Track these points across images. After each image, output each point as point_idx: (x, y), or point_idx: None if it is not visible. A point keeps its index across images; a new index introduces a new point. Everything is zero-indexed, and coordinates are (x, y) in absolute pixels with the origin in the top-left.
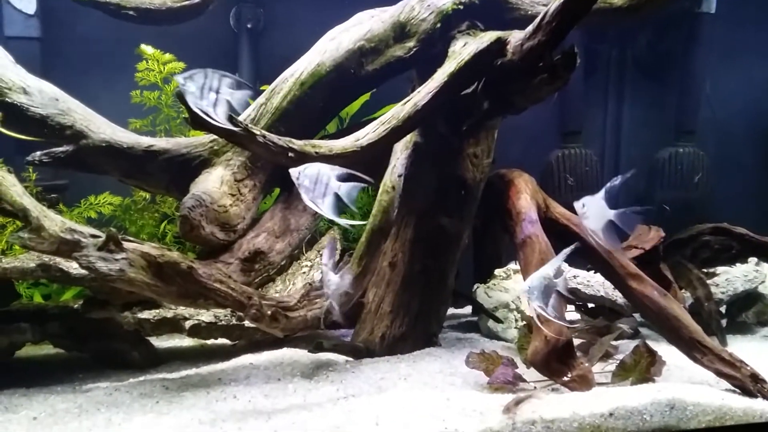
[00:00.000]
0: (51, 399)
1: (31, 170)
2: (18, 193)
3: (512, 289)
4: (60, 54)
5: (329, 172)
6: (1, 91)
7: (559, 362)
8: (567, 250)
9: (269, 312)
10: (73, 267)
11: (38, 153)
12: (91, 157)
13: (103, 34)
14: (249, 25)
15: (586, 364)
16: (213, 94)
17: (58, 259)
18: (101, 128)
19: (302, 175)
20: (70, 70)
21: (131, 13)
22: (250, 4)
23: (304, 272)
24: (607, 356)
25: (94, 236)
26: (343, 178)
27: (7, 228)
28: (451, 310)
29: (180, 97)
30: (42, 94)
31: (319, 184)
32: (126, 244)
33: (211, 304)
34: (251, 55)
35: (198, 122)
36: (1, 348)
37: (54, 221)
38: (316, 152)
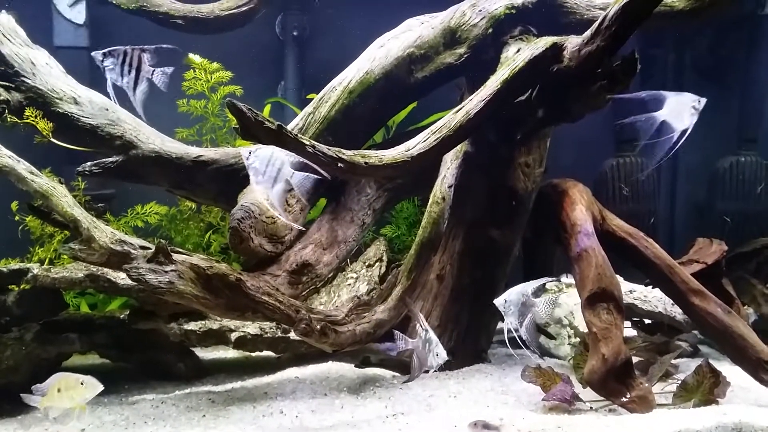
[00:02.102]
0: (98, 411)
1: (79, 180)
2: (69, 203)
3: (565, 303)
4: None
5: (283, 157)
6: (52, 101)
7: (617, 382)
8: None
9: (318, 327)
10: (120, 277)
11: (88, 164)
12: (140, 168)
13: (150, 43)
14: (294, 33)
15: (646, 384)
16: (133, 71)
17: (105, 270)
18: (150, 138)
19: (253, 155)
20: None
21: (179, 21)
22: (296, 13)
23: (349, 284)
24: (666, 376)
25: (143, 248)
26: (298, 167)
27: (55, 237)
28: (499, 325)
29: (231, 107)
30: (92, 104)
31: (271, 168)
32: (175, 256)
33: (259, 317)
34: (297, 62)
35: (248, 132)
36: (50, 358)
37: (104, 232)
38: (366, 162)
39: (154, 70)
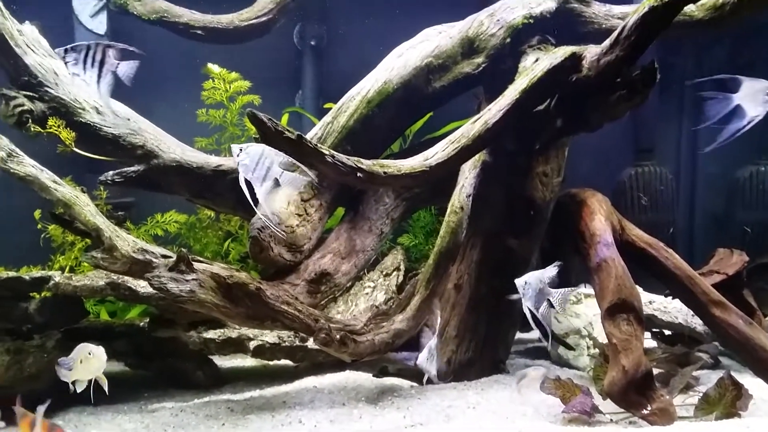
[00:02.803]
0: (118, 418)
1: (101, 189)
2: (91, 212)
3: (584, 314)
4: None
5: (273, 155)
6: (74, 110)
7: (638, 394)
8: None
9: (338, 336)
10: (140, 285)
11: (110, 173)
12: (161, 177)
13: (170, 53)
14: (312, 43)
15: (667, 397)
16: (96, 65)
17: (126, 278)
18: (171, 148)
19: (244, 152)
20: (137, 89)
21: (200, 32)
22: (314, 22)
23: (366, 293)
24: (687, 388)
25: (165, 256)
26: (287, 167)
27: (76, 245)
28: (517, 335)
29: (252, 117)
30: (114, 114)
31: (261, 166)
32: (196, 265)
33: (279, 326)
34: (314, 72)
35: (269, 142)
36: None
37: (126, 241)
38: (385, 172)
39: (119, 63)
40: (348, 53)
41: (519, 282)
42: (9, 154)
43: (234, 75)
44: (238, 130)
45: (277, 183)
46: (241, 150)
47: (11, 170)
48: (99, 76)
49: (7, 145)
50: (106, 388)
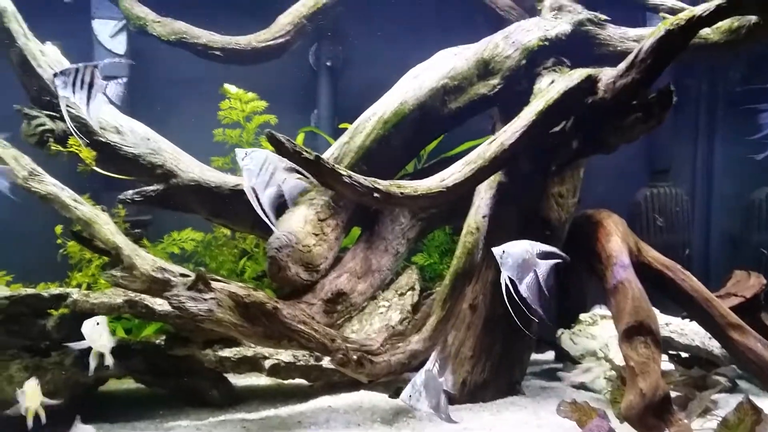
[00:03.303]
0: None
1: (119, 207)
2: (111, 231)
3: (599, 336)
4: (146, 92)
5: (276, 161)
6: (95, 130)
7: (655, 417)
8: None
9: (355, 357)
10: (157, 303)
11: (130, 192)
12: (180, 196)
13: (187, 73)
14: (328, 63)
15: (686, 421)
16: (86, 86)
17: (143, 296)
18: (190, 167)
19: (249, 157)
20: (155, 108)
21: (218, 53)
22: (330, 43)
23: (381, 312)
24: (706, 412)
25: (183, 275)
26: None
27: (93, 262)
28: (532, 356)
29: (270, 137)
30: (134, 134)
31: (264, 171)
32: (214, 284)
33: (295, 345)
34: (330, 92)
35: (289, 161)
36: (88, 383)
37: (145, 260)
38: (402, 192)
39: (107, 83)
40: (363, 74)
41: (497, 251)
42: (31, 173)
43: (251, 95)
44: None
45: (280, 189)
46: (246, 154)
47: (33, 189)
48: (88, 99)
49: (28, 163)
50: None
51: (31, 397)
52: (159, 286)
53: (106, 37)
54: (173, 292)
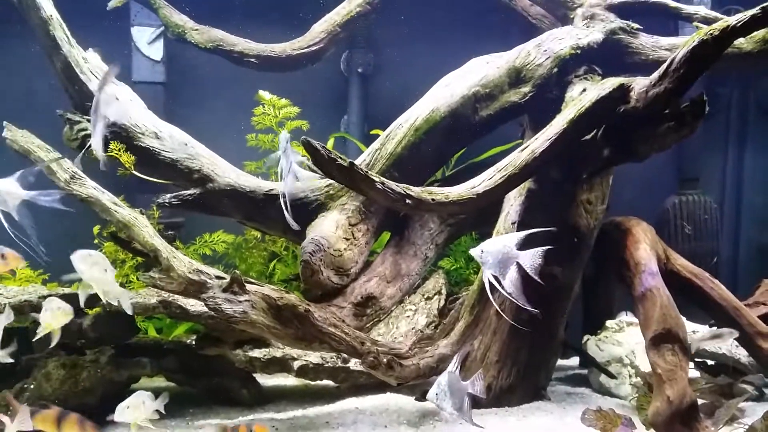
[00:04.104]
0: None
1: (154, 209)
2: (149, 233)
3: (625, 342)
4: (182, 98)
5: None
6: (134, 135)
7: (682, 425)
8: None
9: (386, 360)
10: (190, 304)
11: (168, 195)
12: (215, 200)
13: (221, 79)
14: (359, 70)
15: (712, 428)
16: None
17: (176, 296)
18: (226, 172)
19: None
20: (190, 113)
21: (253, 60)
22: (362, 50)
23: (407, 316)
24: (732, 420)
25: (218, 277)
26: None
27: (126, 263)
28: (559, 362)
29: (306, 144)
30: (172, 139)
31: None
32: (248, 287)
33: (326, 347)
34: (360, 98)
35: (322, 168)
36: (121, 381)
37: (182, 262)
38: (433, 199)
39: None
40: (393, 80)
41: (475, 252)
42: (72, 176)
43: (284, 101)
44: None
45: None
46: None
47: (74, 192)
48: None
49: (70, 167)
50: None
51: None
52: (195, 288)
53: (144, 44)
54: (209, 294)
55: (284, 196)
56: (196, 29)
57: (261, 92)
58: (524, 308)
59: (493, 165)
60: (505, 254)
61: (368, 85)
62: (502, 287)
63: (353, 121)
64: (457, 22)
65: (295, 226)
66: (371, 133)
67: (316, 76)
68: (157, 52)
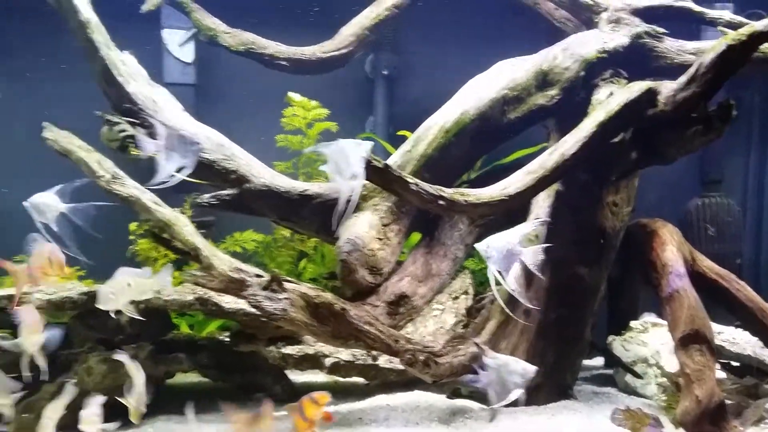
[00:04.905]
0: (204, 428)
1: (187, 208)
2: (190, 232)
3: (650, 343)
4: (212, 99)
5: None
6: None
7: (711, 424)
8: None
9: (422, 358)
10: (225, 301)
11: (206, 195)
12: (251, 200)
13: (249, 80)
14: (385, 72)
15: (740, 428)
16: None
17: (211, 293)
18: (261, 173)
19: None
20: (220, 114)
21: (284, 63)
22: (387, 52)
23: (435, 315)
24: (759, 420)
25: (258, 275)
26: None
27: (158, 261)
28: (585, 362)
29: None
30: (209, 141)
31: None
32: (286, 285)
33: (361, 345)
34: (385, 99)
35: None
36: (158, 376)
37: (222, 260)
38: (465, 200)
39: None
40: (418, 82)
41: (480, 246)
42: (113, 176)
43: (314, 103)
44: (314, 155)
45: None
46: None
47: (115, 191)
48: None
49: (111, 167)
50: None
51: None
52: (235, 286)
53: (175, 46)
54: (251, 292)
55: (346, 202)
56: (228, 32)
57: (291, 94)
58: (551, 308)
59: (518, 167)
60: (509, 250)
61: (393, 86)
62: (506, 283)
63: (378, 122)
64: (480, 25)
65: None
66: (399, 134)
67: (341, 78)
68: (187, 54)
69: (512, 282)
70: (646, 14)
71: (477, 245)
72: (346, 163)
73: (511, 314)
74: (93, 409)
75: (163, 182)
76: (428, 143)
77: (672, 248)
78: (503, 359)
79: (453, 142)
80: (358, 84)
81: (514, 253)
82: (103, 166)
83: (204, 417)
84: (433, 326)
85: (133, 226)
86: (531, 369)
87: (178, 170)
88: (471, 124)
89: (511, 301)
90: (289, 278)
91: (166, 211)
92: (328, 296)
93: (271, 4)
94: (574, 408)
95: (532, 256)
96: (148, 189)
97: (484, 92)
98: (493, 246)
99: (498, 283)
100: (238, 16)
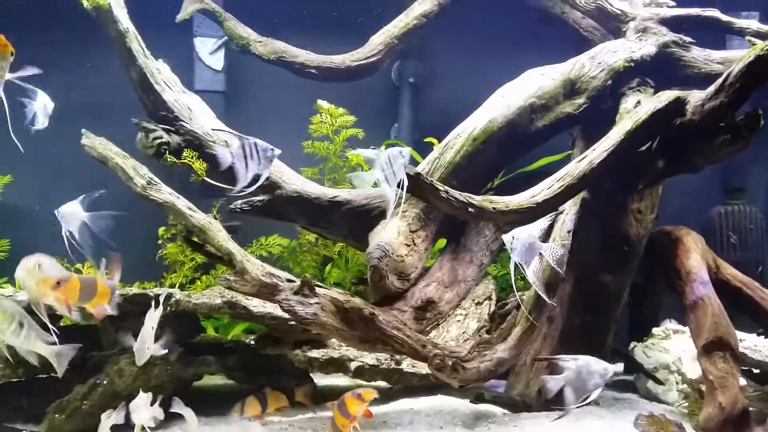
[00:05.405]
0: (231, 429)
1: (215, 212)
2: (223, 238)
3: (672, 349)
4: (241, 106)
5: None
6: (206, 143)
7: (734, 430)
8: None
9: (450, 362)
10: (252, 305)
11: (239, 202)
12: (282, 206)
13: (277, 87)
14: (411, 80)
15: None
16: None
17: (239, 297)
18: (292, 179)
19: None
20: (248, 121)
21: (314, 71)
22: (414, 60)
23: (458, 320)
24: None
25: (289, 281)
26: None
27: (185, 264)
28: None
29: None
30: None
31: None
32: (317, 290)
33: (389, 349)
34: (411, 107)
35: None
36: (187, 378)
37: (255, 265)
38: (494, 208)
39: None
40: (444, 90)
41: (506, 237)
42: (149, 182)
43: (341, 110)
44: (340, 161)
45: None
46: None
47: (151, 197)
48: None
49: (147, 173)
50: None
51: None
52: (267, 290)
53: (206, 54)
54: (283, 296)
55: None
56: (260, 41)
57: (320, 101)
58: (575, 315)
59: (541, 175)
60: (530, 243)
61: (419, 94)
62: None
63: (404, 129)
64: (506, 34)
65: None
66: (424, 141)
67: (367, 85)
68: (218, 62)
69: (531, 275)
70: (673, 23)
71: (504, 236)
72: (392, 170)
73: (529, 315)
74: (142, 401)
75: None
76: (456, 151)
77: (696, 256)
78: (583, 359)
79: (481, 150)
80: (384, 91)
81: (536, 248)
82: (138, 172)
83: (230, 419)
84: (455, 331)
85: (161, 230)
86: (611, 368)
87: (255, 178)
88: (499, 132)
89: (537, 307)
90: (320, 283)
91: (200, 217)
92: (358, 301)
93: (296, 14)
94: (597, 413)
95: (552, 251)
96: (230, 197)
97: (512, 100)
98: (518, 238)
99: (518, 276)
100: (267, 26)
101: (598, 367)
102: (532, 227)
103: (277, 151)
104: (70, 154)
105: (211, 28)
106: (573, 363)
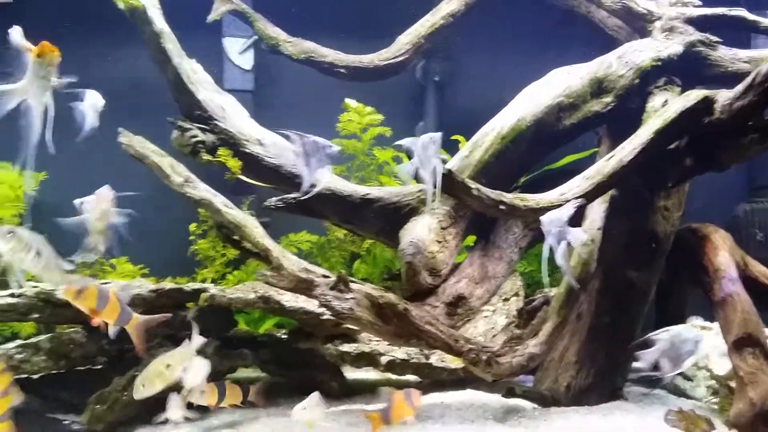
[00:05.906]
0: (266, 419)
1: (245, 208)
2: (260, 234)
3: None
4: (269, 105)
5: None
6: (240, 142)
7: (765, 426)
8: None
9: (485, 357)
10: (285, 300)
11: (274, 199)
12: (315, 204)
13: (305, 86)
14: (436, 78)
15: None
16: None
17: (272, 292)
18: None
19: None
20: (277, 119)
21: (342, 71)
22: (439, 59)
23: (486, 316)
24: None
25: (324, 276)
26: None
27: (216, 260)
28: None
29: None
30: (276, 146)
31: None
32: (352, 285)
33: (423, 344)
34: (436, 105)
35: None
36: (222, 370)
37: (291, 261)
38: (525, 205)
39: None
40: (469, 89)
41: (545, 218)
42: (186, 180)
43: (369, 109)
44: (368, 159)
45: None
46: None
47: (188, 194)
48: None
49: (184, 171)
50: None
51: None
52: (304, 286)
53: (235, 54)
54: (319, 291)
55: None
56: (290, 41)
57: (347, 100)
58: (603, 312)
59: (568, 172)
60: (561, 227)
61: (444, 93)
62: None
63: (429, 127)
64: (531, 33)
65: None
66: (450, 139)
67: (392, 84)
68: (247, 61)
69: (559, 259)
70: (699, 23)
71: (542, 218)
72: (427, 156)
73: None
74: (176, 398)
75: (310, 189)
76: (485, 149)
77: (724, 253)
78: (675, 329)
79: (509, 148)
80: (410, 90)
81: (564, 233)
82: (175, 169)
83: (262, 411)
84: (483, 327)
85: (192, 226)
86: (702, 336)
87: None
88: (527, 131)
89: (568, 303)
90: (354, 279)
91: (236, 214)
92: (392, 297)
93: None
94: (626, 408)
95: (577, 235)
96: (294, 197)
97: (540, 99)
98: (552, 220)
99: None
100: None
101: (689, 335)
102: (561, 211)
103: (336, 148)
104: (104, 153)
105: (240, 28)
106: (665, 334)
